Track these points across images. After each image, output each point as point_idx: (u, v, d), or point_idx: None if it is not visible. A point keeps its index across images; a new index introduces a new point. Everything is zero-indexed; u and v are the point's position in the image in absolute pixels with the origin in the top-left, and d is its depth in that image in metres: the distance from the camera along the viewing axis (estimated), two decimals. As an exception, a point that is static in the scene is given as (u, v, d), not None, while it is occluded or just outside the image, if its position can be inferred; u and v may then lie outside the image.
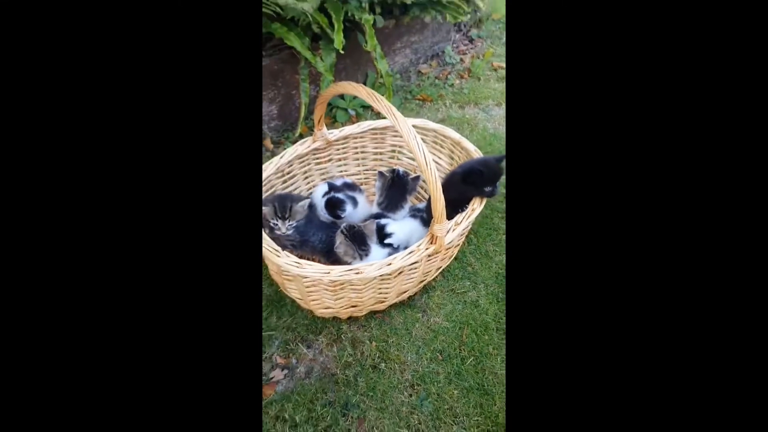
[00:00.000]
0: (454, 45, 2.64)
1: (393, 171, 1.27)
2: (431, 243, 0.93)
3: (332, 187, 1.30)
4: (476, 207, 1.04)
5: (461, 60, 2.50)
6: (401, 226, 1.20)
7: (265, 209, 1.11)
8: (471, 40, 2.75)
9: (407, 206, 1.28)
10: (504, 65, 2.45)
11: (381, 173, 1.27)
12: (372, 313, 1.17)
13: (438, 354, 1.10)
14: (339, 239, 1.10)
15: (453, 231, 0.96)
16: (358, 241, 1.09)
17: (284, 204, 1.11)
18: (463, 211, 1.03)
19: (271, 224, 1.11)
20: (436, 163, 1.37)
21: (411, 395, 1.02)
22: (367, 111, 1.95)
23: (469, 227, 1.17)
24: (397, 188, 1.26)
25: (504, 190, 1.46)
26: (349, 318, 1.15)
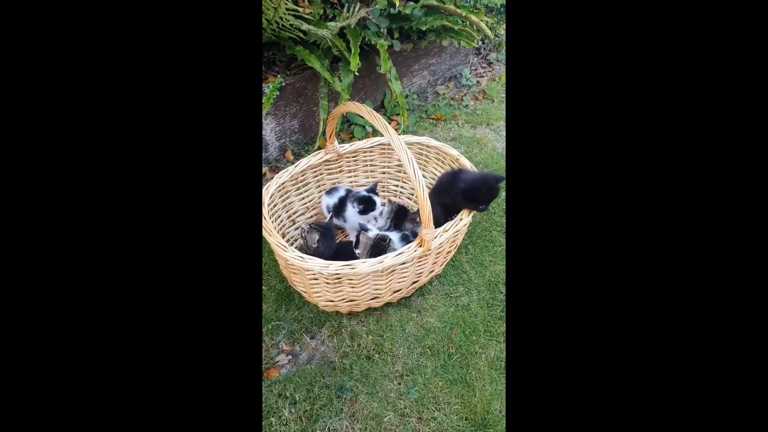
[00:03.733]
0: (473, 68, 2.77)
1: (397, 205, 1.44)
2: (419, 246, 1.04)
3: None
4: (464, 218, 1.15)
5: (478, 82, 2.62)
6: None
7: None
8: (489, 63, 2.87)
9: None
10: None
11: (390, 200, 1.43)
12: (371, 310, 1.28)
13: (428, 350, 1.21)
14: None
15: (441, 236, 1.08)
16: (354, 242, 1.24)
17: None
18: (452, 219, 1.14)
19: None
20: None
21: (400, 384, 1.13)
22: (383, 128, 2.09)
23: (461, 237, 1.28)
24: (399, 215, 1.41)
25: (504, 204, 1.58)
26: (350, 313, 1.27)
